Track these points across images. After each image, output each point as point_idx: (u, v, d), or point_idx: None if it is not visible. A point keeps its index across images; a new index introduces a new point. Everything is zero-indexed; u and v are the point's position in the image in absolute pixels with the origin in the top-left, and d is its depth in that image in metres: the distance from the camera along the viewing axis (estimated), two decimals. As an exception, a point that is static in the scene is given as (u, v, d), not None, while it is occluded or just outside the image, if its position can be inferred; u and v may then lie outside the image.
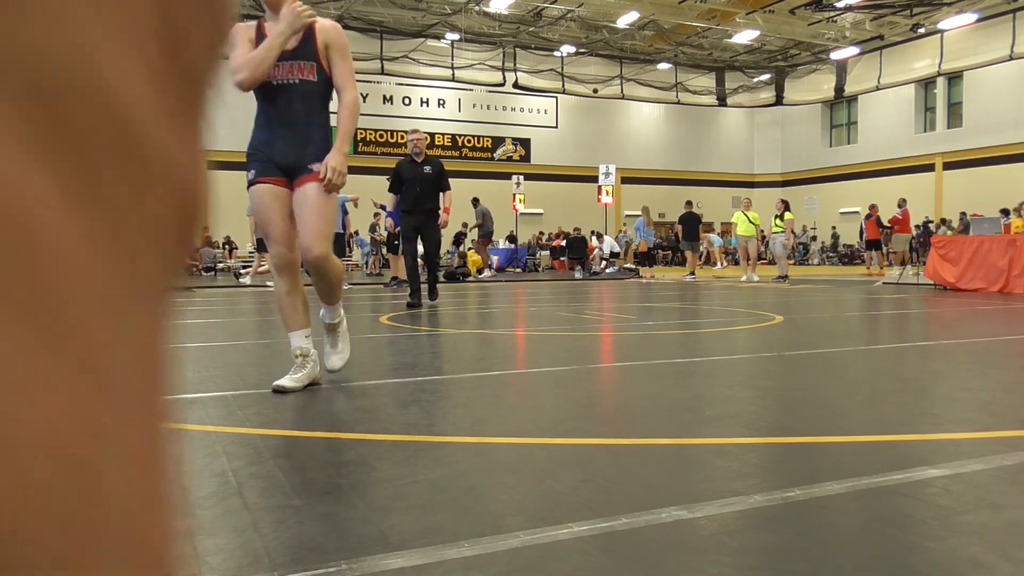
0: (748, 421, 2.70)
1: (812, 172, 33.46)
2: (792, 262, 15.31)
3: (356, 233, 20.21)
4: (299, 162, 3.16)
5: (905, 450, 2.27)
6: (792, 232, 15.20)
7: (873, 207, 19.17)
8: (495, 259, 19.98)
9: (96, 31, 0.20)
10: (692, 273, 16.83)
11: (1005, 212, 14.98)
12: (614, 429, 2.60)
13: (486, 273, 17.31)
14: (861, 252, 27.13)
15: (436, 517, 1.67)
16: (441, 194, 8.05)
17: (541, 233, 28.08)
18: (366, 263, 20.90)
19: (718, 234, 27.63)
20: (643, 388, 3.39)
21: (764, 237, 17.68)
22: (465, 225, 20.20)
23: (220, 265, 21.07)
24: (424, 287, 8.18)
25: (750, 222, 15.25)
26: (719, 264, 24.08)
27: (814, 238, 31.28)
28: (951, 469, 2.03)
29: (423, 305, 7.84)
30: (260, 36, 3.11)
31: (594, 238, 22.50)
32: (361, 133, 27.71)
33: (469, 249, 19.14)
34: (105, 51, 0.19)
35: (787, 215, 15.22)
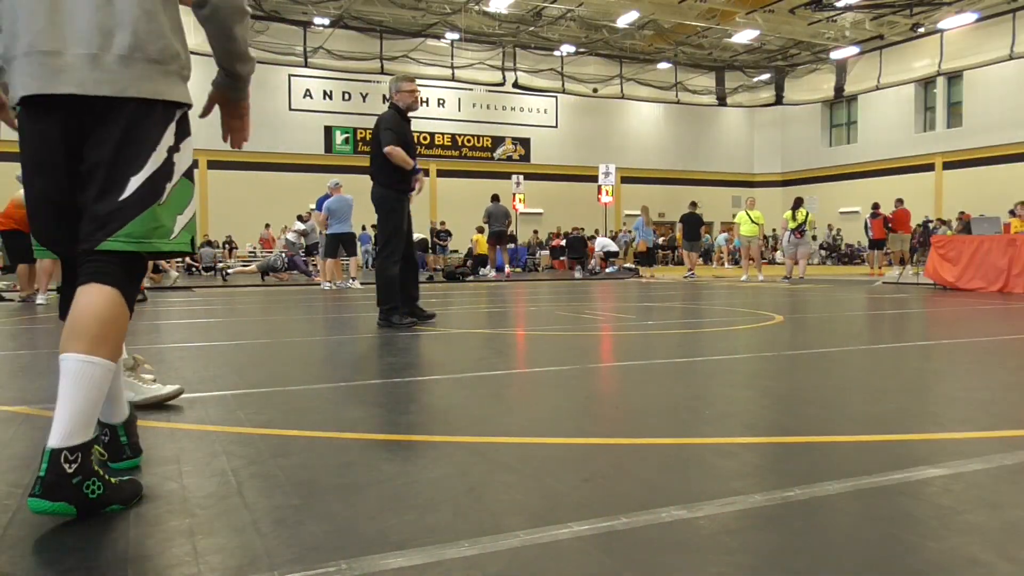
0: (748, 421, 2.70)
1: (812, 172, 33.47)
2: (793, 262, 15.13)
3: (364, 228, 20.18)
4: None
5: (905, 450, 2.28)
6: (786, 230, 14.98)
7: (877, 206, 19.17)
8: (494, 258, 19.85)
9: None
10: (691, 272, 16.82)
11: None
12: (614, 429, 2.60)
13: (492, 273, 17.12)
14: (862, 252, 27.16)
15: (436, 517, 1.68)
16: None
17: (535, 232, 28.07)
18: (367, 262, 20.89)
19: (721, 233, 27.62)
20: (643, 388, 3.39)
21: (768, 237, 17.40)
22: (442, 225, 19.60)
23: (220, 264, 21.06)
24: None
25: (753, 222, 15.13)
26: (720, 264, 24.08)
27: (837, 234, 30.78)
28: (951, 469, 2.03)
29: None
30: None
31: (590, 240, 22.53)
32: (361, 133, 27.73)
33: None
34: None
35: (787, 213, 15.06)
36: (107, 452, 1.99)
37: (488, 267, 17.94)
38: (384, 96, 28.11)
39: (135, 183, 1.74)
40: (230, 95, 1.99)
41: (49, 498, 1.60)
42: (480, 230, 19.25)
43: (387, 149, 5.85)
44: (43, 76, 1.67)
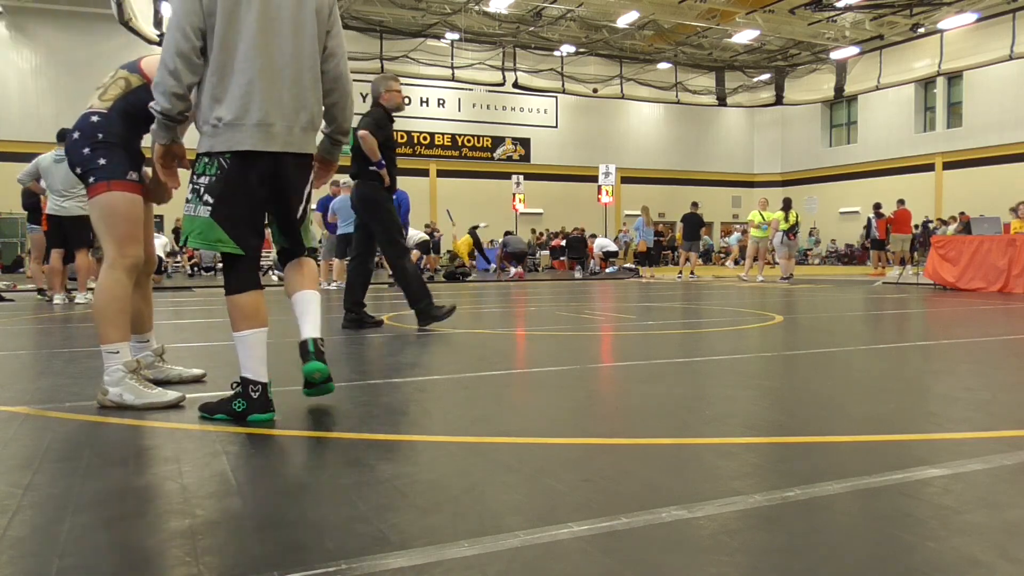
0: (748, 421, 2.70)
1: (812, 172, 33.46)
2: (787, 260, 15.09)
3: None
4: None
5: (905, 450, 2.28)
6: (778, 231, 14.93)
7: (879, 206, 19.14)
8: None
9: None
10: (684, 274, 16.79)
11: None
12: (614, 429, 2.60)
13: (513, 271, 17.62)
14: (863, 252, 27.14)
15: (436, 517, 1.68)
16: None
17: (542, 233, 28.04)
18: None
19: (741, 232, 27.57)
20: (643, 388, 3.39)
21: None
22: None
23: (220, 265, 21.04)
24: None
25: (765, 222, 15.08)
26: (722, 263, 24.03)
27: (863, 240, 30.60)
28: (951, 469, 2.03)
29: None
30: None
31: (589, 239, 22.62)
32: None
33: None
34: None
35: (778, 213, 15.00)
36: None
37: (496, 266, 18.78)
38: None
39: (302, 210, 2.85)
40: (328, 157, 2.92)
41: (322, 360, 2.81)
42: (474, 228, 19.87)
43: (361, 132, 5.53)
44: (264, 139, 2.58)
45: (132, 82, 3.05)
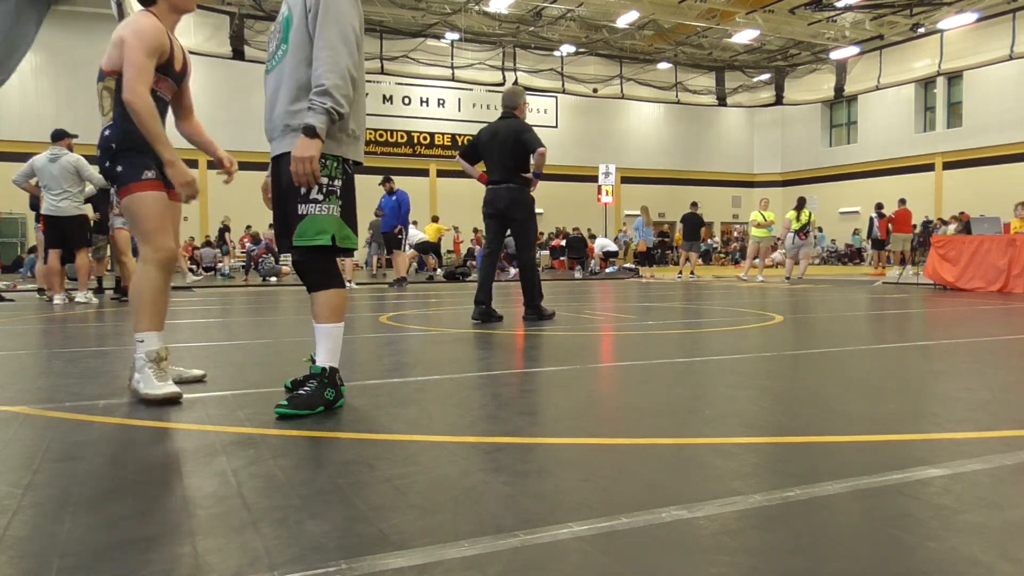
0: (748, 421, 2.70)
1: (812, 172, 33.47)
2: (794, 262, 15.08)
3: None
4: None
5: (905, 450, 2.28)
6: (790, 231, 14.91)
7: (881, 206, 19.15)
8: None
9: None
10: (692, 273, 16.80)
11: None
12: (614, 429, 2.60)
13: (512, 272, 17.64)
14: (862, 252, 27.15)
15: (436, 517, 1.67)
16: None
17: (541, 233, 28.05)
18: (368, 263, 20.89)
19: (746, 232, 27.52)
20: (643, 388, 3.39)
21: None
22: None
23: (220, 265, 21.04)
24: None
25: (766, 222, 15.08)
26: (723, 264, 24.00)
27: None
28: (951, 469, 2.03)
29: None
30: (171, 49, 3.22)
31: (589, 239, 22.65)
32: (361, 133, 27.66)
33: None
34: None
35: (790, 213, 14.99)
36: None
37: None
38: (384, 96, 28.14)
39: None
40: None
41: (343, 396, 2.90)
42: (435, 219, 20.63)
43: (543, 149, 6.44)
44: (362, 154, 3.01)
45: (110, 87, 3.18)
